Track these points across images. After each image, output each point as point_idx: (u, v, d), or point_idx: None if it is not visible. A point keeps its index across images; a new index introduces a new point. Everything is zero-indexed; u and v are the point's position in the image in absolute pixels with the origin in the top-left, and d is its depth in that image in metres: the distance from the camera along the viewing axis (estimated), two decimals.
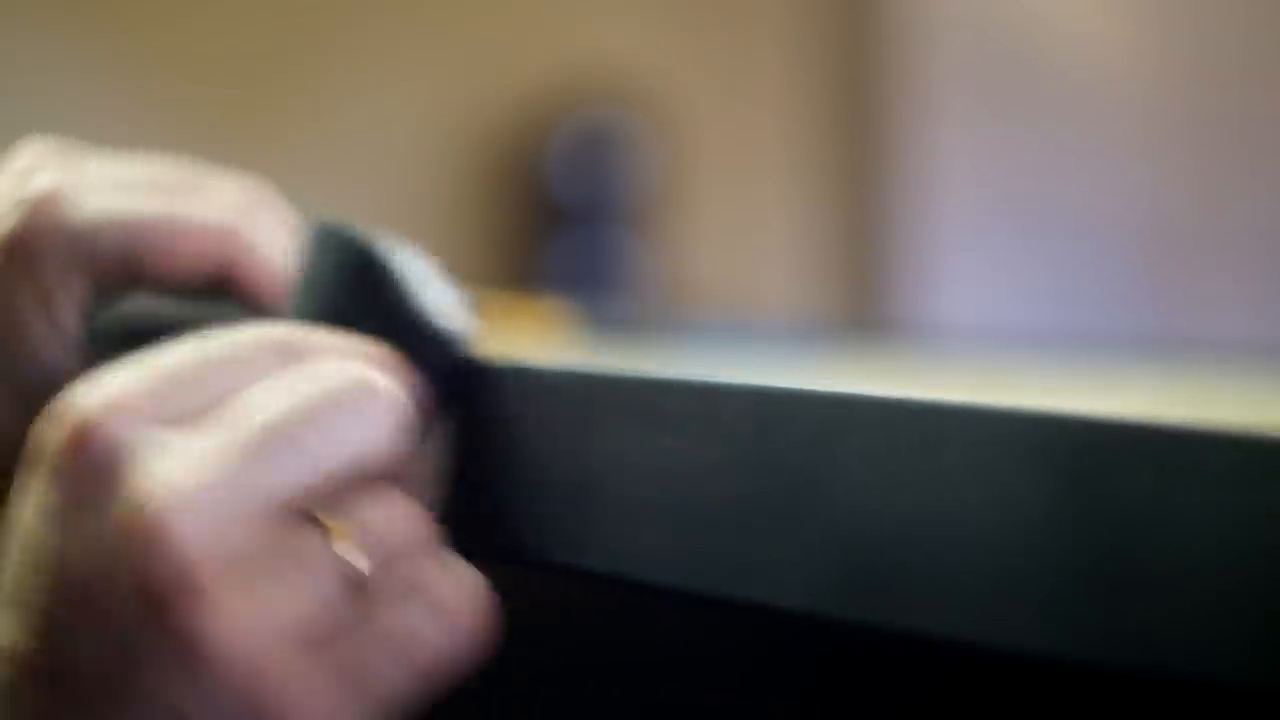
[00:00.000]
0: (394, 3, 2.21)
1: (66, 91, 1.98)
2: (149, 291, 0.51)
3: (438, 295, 0.46)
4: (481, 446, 0.41)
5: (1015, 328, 2.25)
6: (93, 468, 0.37)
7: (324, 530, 0.37)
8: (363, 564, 0.37)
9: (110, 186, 0.50)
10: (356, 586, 0.37)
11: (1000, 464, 0.31)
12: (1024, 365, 1.08)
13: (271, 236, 0.51)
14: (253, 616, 0.35)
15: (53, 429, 0.38)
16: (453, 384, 0.42)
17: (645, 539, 0.38)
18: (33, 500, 0.38)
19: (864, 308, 2.44)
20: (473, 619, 0.39)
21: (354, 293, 0.44)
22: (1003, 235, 2.45)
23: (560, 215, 2.24)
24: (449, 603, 0.38)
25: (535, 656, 0.54)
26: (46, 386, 0.51)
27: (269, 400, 0.38)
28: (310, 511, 0.37)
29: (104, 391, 0.38)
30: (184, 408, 0.38)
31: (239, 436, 0.37)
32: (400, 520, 0.39)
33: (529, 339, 1.07)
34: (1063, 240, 2.46)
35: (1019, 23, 2.46)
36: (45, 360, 0.50)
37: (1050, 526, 0.31)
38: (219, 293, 0.51)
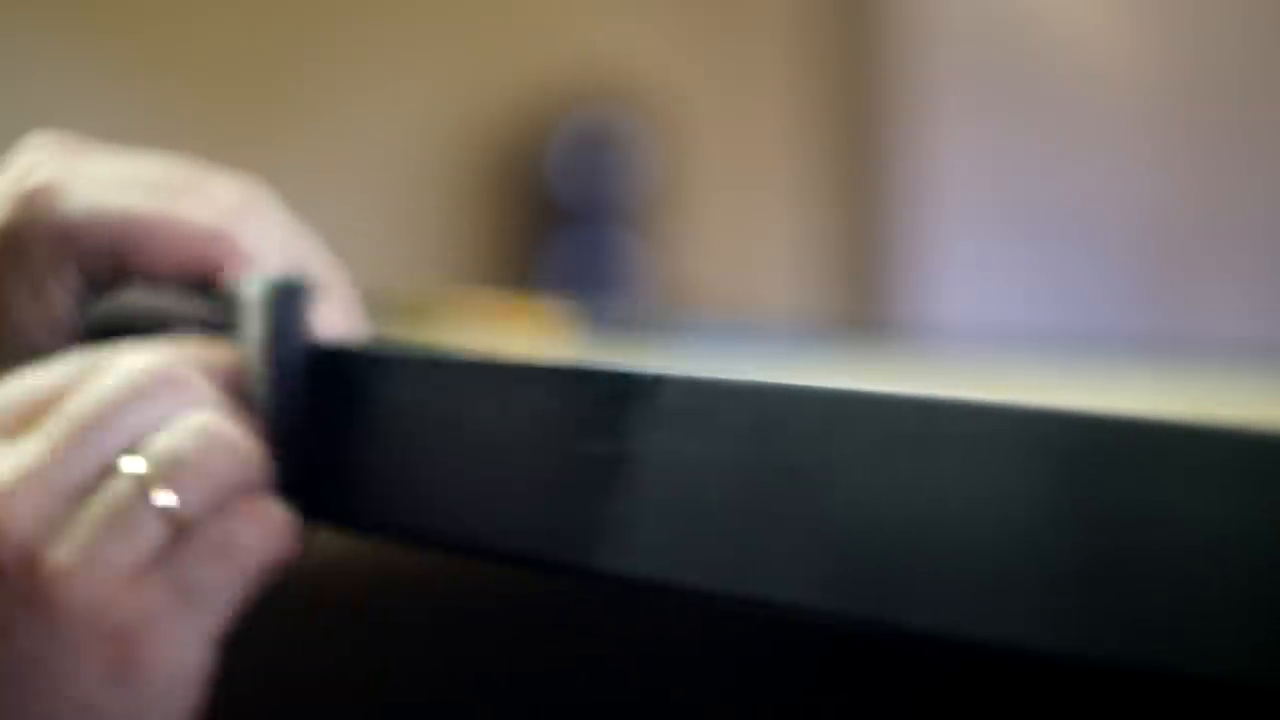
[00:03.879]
0: (394, 3, 2.21)
1: (67, 92, 1.98)
2: (141, 285, 0.51)
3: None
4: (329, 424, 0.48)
5: (1015, 328, 2.25)
6: None
7: (142, 480, 0.44)
8: (175, 502, 0.44)
9: (105, 182, 0.51)
10: (174, 517, 0.44)
11: (997, 460, 0.31)
12: (1023, 365, 1.09)
13: (262, 239, 0.51)
14: (86, 567, 0.43)
15: None
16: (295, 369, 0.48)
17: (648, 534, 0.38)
18: None
19: (864, 308, 2.44)
20: (281, 524, 0.46)
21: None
22: (1003, 235, 2.45)
23: (560, 215, 2.24)
24: (261, 513, 0.45)
25: (526, 654, 0.54)
26: None
27: (77, 400, 0.45)
28: (123, 464, 0.44)
29: None
30: (17, 420, 0.45)
31: (53, 432, 0.44)
32: (214, 444, 0.45)
33: (528, 338, 1.07)
34: (1063, 240, 2.46)
35: (1019, 23, 2.46)
36: (39, 350, 0.51)
37: (1047, 522, 0.31)
38: (210, 289, 0.52)
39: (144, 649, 0.43)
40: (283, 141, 2.10)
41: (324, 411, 0.48)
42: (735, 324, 1.86)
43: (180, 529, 0.44)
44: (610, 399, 0.40)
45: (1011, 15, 2.46)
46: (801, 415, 0.36)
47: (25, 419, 0.45)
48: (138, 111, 2.00)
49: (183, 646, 0.44)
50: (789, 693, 0.41)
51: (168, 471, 0.44)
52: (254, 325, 0.49)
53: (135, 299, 0.52)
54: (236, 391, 0.48)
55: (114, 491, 0.44)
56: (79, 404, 0.45)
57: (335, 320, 0.52)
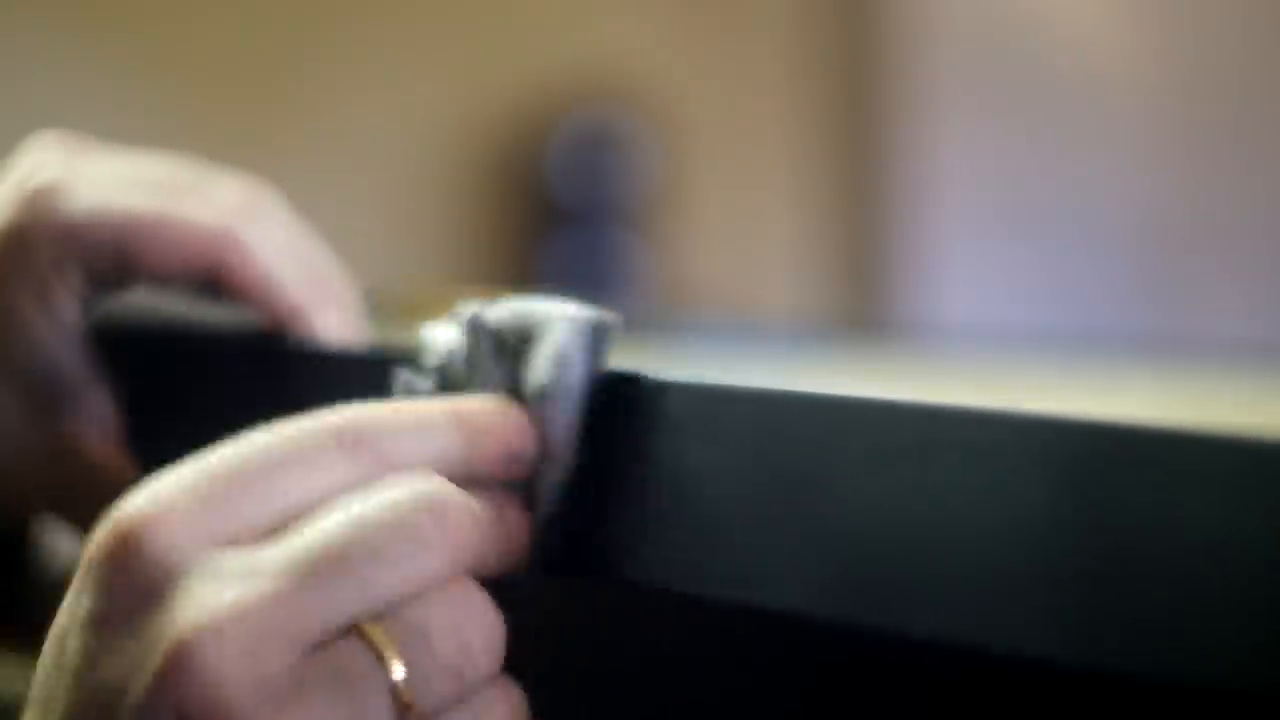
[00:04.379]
0: (395, 4, 2.22)
1: (68, 92, 1.98)
2: (146, 285, 0.51)
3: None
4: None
5: (1015, 328, 2.25)
6: (133, 581, 0.36)
7: (374, 650, 0.36)
8: (410, 684, 0.36)
9: (109, 182, 0.51)
10: (404, 705, 0.36)
11: (998, 468, 0.31)
12: (1023, 365, 1.08)
13: (266, 238, 0.51)
14: None
15: (101, 534, 0.36)
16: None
17: (663, 544, 0.39)
18: (72, 602, 0.37)
19: (864, 308, 2.44)
20: (521, 711, 0.38)
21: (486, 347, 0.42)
22: (1002, 235, 2.45)
23: (560, 215, 2.24)
24: (504, 697, 0.38)
25: (539, 660, 0.54)
26: (46, 376, 0.52)
27: (324, 524, 0.36)
28: (362, 630, 0.36)
29: (154, 500, 0.36)
30: (237, 521, 0.36)
31: (287, 564, 0.36)
32: (463, 627, 0.37)
33: None
34: (1062, 240, 2.46)
35: (1019, 23, 2.46)
36: (44, 350, 0.51)
37: (1048, 529, 0.31)
38: (215, 290, 0.51)
39: None
40: (283, 141, 2.10)
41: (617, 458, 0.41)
42: (735, 324, 1.86)
43: (405, 710, 0.36)
44: (618, 404, 0.40)
45: (1012, 16, 2.46)
46: (803, 423, 0.36)
47: (253, 520, 0.37)
48: (138, 111, 2.00)
49: None
50: (789, 698, 0.41)
51: (415, 654, 0.36)
52: (545, 369, 0.40)
53: (140, 301, 0.52)
54: (517, 472, 0.40)
55: (344, 659, 0.36)
56: (330, 533, 0.36)
57: (339, 325, 0.52)
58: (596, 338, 0.40)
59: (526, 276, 2.19)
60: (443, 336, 0.42)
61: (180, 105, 2.03)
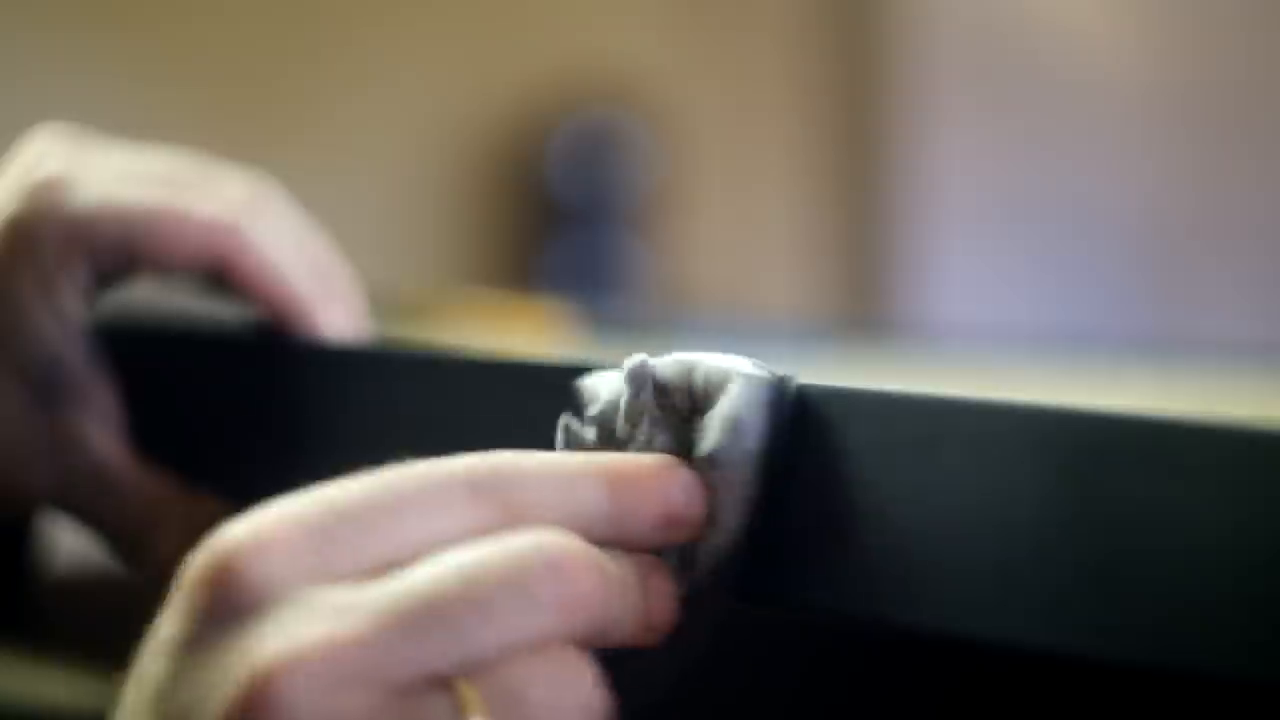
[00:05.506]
0: (395, 4, 2.21)
1: (69, 93, 1.98)
2: (150, 279, 0.51)
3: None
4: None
5: (1015, 328, 2.25)
6: (224, 608, 0.35)
7: (462, 706, 0.34)
8: None
9: (113, 176, 0.51)
10: None
11: (1000, 459, 0.31)
12: (1024, 365, 1.09)
13: (270, 232, 0.51)
14: None
15: (199, 557, 0.35)
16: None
17: None
18: (164, 622, 0.36)
19: (864, 308, 2.44)
20: None
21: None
22: (1002, 235, 2.45)
23: (560, 215, 2.24)
24: None
25: None
26: (49, 369, 0.52)
27: (432, 568, 0.34)
28: (452, 684, 0.34)
29: (259, 527, 0.35)
30: (345, 558, 0.35)
31: (387, 605, 0.34)
32: (562, 698, 0.35)
33: (528, 339, 1.07)
34: (1062, 240, 2.46)
35: (1019, 23, 2.46)
36: (48, 343, 0.51)
37: (1050, 520, 0.31)
38: (219, 283, 0.51)
39: None
40: (283, 142, 2.10)
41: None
42: (735, 324, 1.86)
43: None
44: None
45: (1011, 16, 2.46)
46: (806, 414, 0.36)
47: (362, 558, 0.35)
48: (139, 111, 2.00)
49: None
50: (790, 692, 0.41)
51: (504, 709, 0.34)
52: (716, 433, 0.37)
53: (144, 294, 0.52)
54: (679, 530, 0.37)
55: (429, 710, 0.34)
56: (438, 580, 0.34)
57: (344, 320, 0.52)
58: (776, 399, 0.37)
59: (526, 277, 2.19)
60: (605, 385, 0.39)
61: (181, 106, 2.03)
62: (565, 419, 0.40)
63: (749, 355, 0.38)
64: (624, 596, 0.36)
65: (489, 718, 0.34)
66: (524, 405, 0.42)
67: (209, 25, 2.10)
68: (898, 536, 0.33)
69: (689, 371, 0.38)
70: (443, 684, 0.34)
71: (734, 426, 0.37)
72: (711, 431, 0.37)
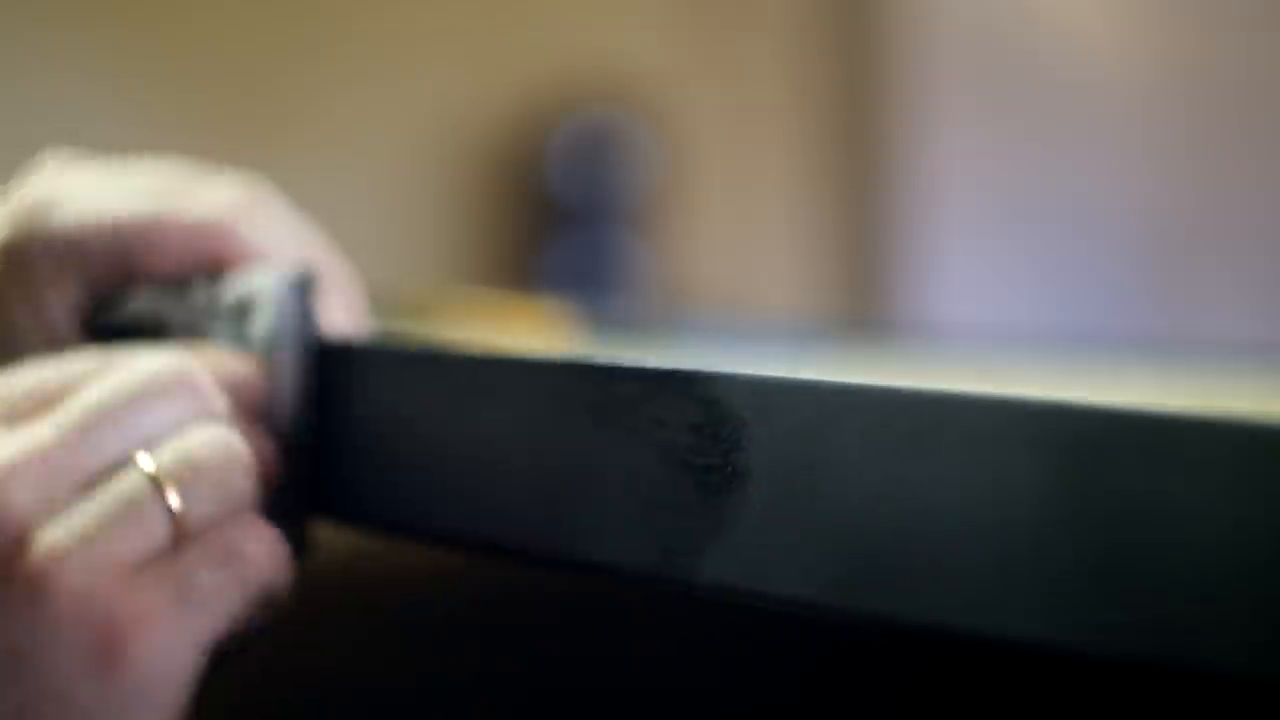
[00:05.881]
0: (395, 4, 2.22)
1: (67, 93, 1.98)
2: (146, 289, 0.52)
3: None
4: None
5: (1015, 327, 2.25)
6: None
7: (151, 477, 0.43)
8: (184, 505, 0.44)
9: (102, 191, 0.51)
10: (181, 520, 0.43)
11: (999, 453, 0.32)
12: (1024, 363, 1.09)
13: (263, 232, 0.52)
14: (82, 553, 0.42)
15: None
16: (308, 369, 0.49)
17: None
18: None
19: (864, 308, 2.44)
20: (279, 547, 0.46)
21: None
22: (1002, 235, 2.45)
23: (560, 215, 2.24)
24: (263, 532, 0.45)
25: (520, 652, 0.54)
26: None
27: (91, 391, 0.45)
28: (135, 460, 0.44)
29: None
30: (25, 408, 0.45)
31: (65, 419, 0.44)
32: (225, 458, 0.45)
33: (528, 338, 1.07)
34: (1062, 240, 2.46)
35: (1019, 23, 2.46)
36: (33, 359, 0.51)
37: (1050, 515, 0.31)
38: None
39: (131, 643, 0.42)
40: (283, 142, 2.10)
41: (333, 408, 0.48)
42: (735, 323, 1.86)
43: (185, 532, 0.44)
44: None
45: (1011, 16, 2.46)
46: (802, 408, 0.36)
47: (33, 407, 0.45)
48: (139, 113, 2.00)
49: (172, 647, 0.42)
50: (790, 688, 0.41)
51: (181, 475, 0.44)
52: (264, 321, 0.48)
53: (141, 307, 0.52)
54: (249, 400, 0.48)
55: (123, 485, 0.43)
56: (93, 395, 0.44)
57: (339, 315, 0.52)
58: (302, 289, 0.48)
59: (527, 276, 2.19)
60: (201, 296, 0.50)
61: (181, 105, 2.03)
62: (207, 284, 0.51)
63: (743, 354, 0.38)
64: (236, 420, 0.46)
65: (171, 479, 0.43)
66: (528, 402, 0.42)
67: (209, 25, 2.10)
68: (895, 532, 0.33)
69: (249, 278, 0.49)
70: (128, 465, 0.44)
71: (277, 313, 0.48)
72: (261, 324, 0.49)
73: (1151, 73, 2.46)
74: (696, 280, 2.32)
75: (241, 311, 0.49)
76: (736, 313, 2.21)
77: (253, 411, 0.48)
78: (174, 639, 0.43)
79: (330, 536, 0.50)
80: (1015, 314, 2.39)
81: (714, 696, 0.44)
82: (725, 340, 1.32)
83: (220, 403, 0.46)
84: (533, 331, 1.12)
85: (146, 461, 0.44)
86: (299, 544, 0.48)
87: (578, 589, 0.48)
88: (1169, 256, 2.46)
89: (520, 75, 2.25)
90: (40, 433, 0.43)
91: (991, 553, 0.31)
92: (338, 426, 0.48)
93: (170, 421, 0.45)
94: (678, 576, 0.38)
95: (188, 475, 0.44)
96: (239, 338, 0.49)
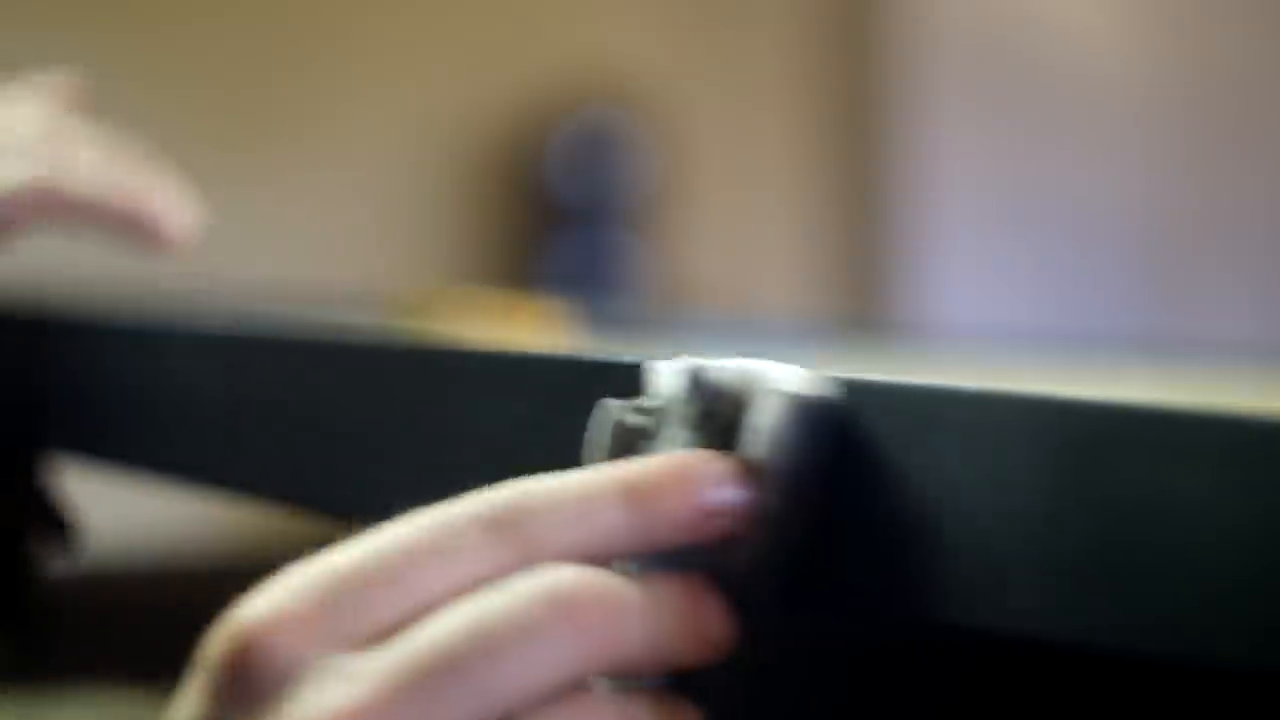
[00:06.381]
0: (395, 5, 2.21)
1: None
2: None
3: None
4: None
5: (1015, 328, 2.25)
6: (249, 687, 0.34)
7: None
8: None
9: None
10: None
11: (999, 448, 0.31)
12: (1023, 363, 1.09)
13: (76, 171, 0.53)
14: None
15: (217, 638, 0.35)
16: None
17: None
18: (185, 702, 0.35)
19: (864, 307, 2.44)
20: None
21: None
22: (1002, 235, 2.45)
23: (560, 215, 2.24)
24: None
25: None
26: None
27: (442, 626, 0.34)
28: None
29: (273, 604, 0.34)
30: (363, 622, 0.34)
31: (398, 667, 0.33)
32: None
33: (528, 338, 1.07)
34: (1062, 240, 2.46)
35: (1019, 23, 2.46)
36: None
37: (1050, 510, 0.31)
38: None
39: None
40: (284, 143, 2.10)
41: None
42: (735, 322, 1.86)
43: None
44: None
45: (1012, 16, 2.46)
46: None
47: (378, 619, 0.34)
48: (139, 115, 2.00)
49: None
50: (790, 685, 0.41)
51: None
52: (758, 444, 0.36)
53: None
54: (714, 522, 0.36)
55: None
56: (448, 635, 0.34)
57: (171, 209, 0.54)
58: (817, 419, 0.36)
59: (527, 276, 2.19)
60: (664, 379, 0.38)
61: (181, 106, 2.03)
62: (611, 405, 0.39)
63: (752, 354, 0.38)
64: (656, 617, 0.35)
65: None
66: (540, 398, 0.42)
67: (210, 24, 2.10)
68: (894, 528, 0.33)
69: (743, 378, 0.37)
70: None
71: (776, 439, 0.36)
72: (754, 439, 0.36)
73: (1151, 73, 2.46)
74: (697, 280, 2.32)
75: (713, 411, 0.38)
76: (736, 312, 2.21)
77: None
78: None
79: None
80: (1015, 314, 2.39)
81: (714, 697, 0.44)
82: (725, 340, 1.32)
83: (622, 635, 0.34)
84: (533, 330, 1.12)
85: None
86: None
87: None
88: (1168, 256, 2.45)
89: (520, 75, 2.25)
90: (374, 683, 0.33)
91: (990, 547, 0.31)
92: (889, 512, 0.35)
93: (534, 681, 0.34)
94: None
95: None
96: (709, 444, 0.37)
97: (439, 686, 0.33)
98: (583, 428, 0.39)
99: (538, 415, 0.42)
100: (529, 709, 0.33)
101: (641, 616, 0.34)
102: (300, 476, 0.50)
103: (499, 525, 0.35)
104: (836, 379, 0.36)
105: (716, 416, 0.37)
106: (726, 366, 0.37)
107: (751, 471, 0.36)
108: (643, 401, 0.38)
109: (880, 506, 0.34)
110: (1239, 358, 1.17)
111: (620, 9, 2.34)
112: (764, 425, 0.36)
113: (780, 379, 0.36)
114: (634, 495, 0.35)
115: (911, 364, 1.11)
